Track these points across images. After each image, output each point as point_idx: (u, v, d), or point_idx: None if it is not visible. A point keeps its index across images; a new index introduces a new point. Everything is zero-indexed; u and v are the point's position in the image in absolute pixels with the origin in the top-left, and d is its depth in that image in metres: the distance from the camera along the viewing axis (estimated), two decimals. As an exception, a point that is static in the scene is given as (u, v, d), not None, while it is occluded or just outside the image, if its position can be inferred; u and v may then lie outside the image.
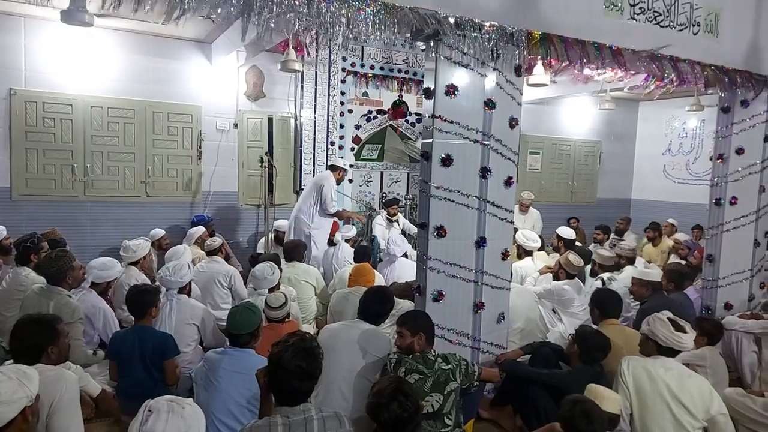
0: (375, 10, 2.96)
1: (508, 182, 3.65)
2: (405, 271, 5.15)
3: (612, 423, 2.54)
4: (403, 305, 4.03)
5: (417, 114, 7.61)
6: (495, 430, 3.48)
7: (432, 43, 3.34)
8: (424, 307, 3.44)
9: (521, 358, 3.66)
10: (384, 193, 7.94)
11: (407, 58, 7.55)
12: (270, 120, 6.92)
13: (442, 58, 3.31)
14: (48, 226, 5.46)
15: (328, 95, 7.08)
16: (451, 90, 3.35)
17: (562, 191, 9.45)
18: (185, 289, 3.84)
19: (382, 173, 7.97)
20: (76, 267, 3.76)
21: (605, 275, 5.14)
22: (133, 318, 3.48)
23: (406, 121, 7.71)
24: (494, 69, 3.48)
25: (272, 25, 2.80)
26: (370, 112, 7.44)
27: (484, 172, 3.52)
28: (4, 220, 5.30)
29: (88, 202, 6.14)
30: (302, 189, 6.78)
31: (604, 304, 3.74)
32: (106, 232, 6.17)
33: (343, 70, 7.14)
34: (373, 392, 2.26)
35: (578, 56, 3.71)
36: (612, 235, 7.57)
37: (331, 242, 6.14)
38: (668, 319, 2.98)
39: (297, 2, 2.77)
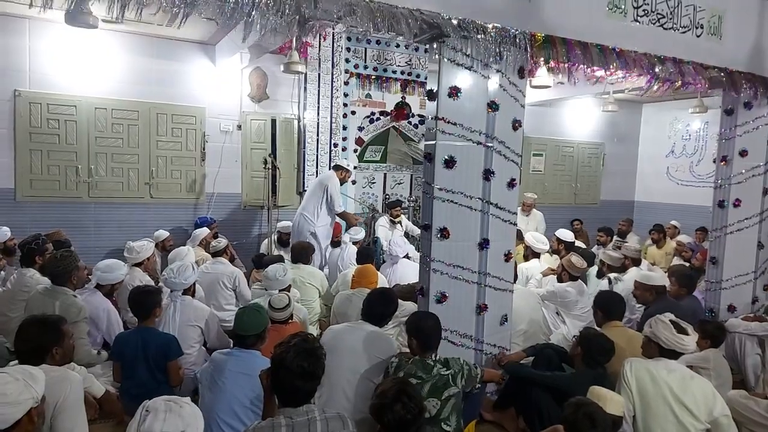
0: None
1: (511, 184, 3.65)
2: (407, 272, 5.15)
3: (615, 425, 2.54)
4: (407, 307, 4.04)
5: (420, 116, 7.61)
6: (498, 432, 3.48)
7: (435, 45, 3.35)
8: (427, 309, 3.44)
9: (524, 360, 3.66)
10: (387, 194, 7.94)
11: (410, 60, 7.56)
12: (273, 122, 6.94)
13: (445, 59, 3.32)
14: (52, 227, 5.48)
15: (332, 97, 7.10)
16: (454, 92, 3.36)
17: (565, 193, 9.43)
18: (189, 291, 3.84)
19: (385, 175, 7.97)
20: (81, 267, 3.78)
21: (611, 275, 5.15)
22: (137, 320, 3.49)
23: (409, 123, 7.71)
24: (497, 71, 3.48)
25: (275, 25, 2.81)
26: (373, 113, 7.45)
27: (487, 173, 3.52)
28: (8, 221, 5.33)
29: (92, 204, 6.16)
30: (305, 190, 6.80)
31: (608, 306, 3.73)
32: (110, 234, 6.19)
33: (346, 71, 7.16)
34: (377, 393, 2.27)
35: (581, 58, 3.71)
36: (615, 237, 7.56)
37: (336, 243, 6.15)
38: (670, 321, 2.98)
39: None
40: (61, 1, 2.90)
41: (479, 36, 3.30)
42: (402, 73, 7.54)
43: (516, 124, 3.62)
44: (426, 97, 3.51)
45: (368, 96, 7.39)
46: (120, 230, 6.17)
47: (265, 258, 5.28)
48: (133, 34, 6.07)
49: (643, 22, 3.99)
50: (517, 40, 3.41)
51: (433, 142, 3.39)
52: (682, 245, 6.84)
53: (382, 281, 4.75)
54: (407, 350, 3.28)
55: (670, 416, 2.76)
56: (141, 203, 6.38)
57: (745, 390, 3.67)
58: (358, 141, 7.41)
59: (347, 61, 7.15)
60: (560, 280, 4.70)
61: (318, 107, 7.03)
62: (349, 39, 7.11)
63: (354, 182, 7.43)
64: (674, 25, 4.15)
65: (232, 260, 5.49)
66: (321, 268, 5.80)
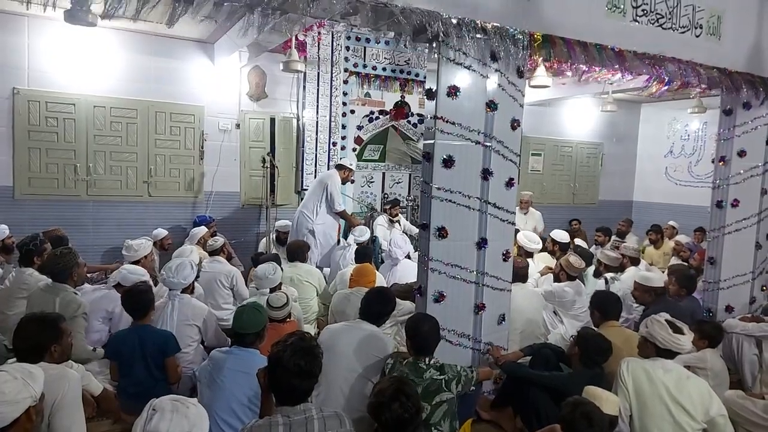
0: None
1: (509, 184, 3.65)
2: (407, 272, 5.14)
3: (611, 425, 2.55)
4: (405, 306, 4.04)
5: (419, 115, 7.61)
6: (495, 432, 3.49)
7: (434, 45, 3.35)
8: (425, 308, 3.44)
9: (522, 360, 3.66)
10: (386, 194, 7.95)
11: (409, 59, 7.56)
12: (272, 120, 6.93)
13: (444, 59, 3.32)
14: (50, 225, 5.48)
15: (331, 96, 7.09)
16: (453, 91, 3.36)
17: (563, 193, 9.44)
18: (188, 289, 3.83)
19: (383, 174, 7.98)
20: (81, 264, 3.80)
21: (608, 275, 5.16)
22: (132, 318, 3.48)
23: (408, 122, 7.71)
24: (496, 70, 3.48)
25: (274, 23, 2.81)
26: (372, 112, 7.44)
27: (486, 173, 3.52)
28: (6, 219, 5.32)
29: (91, 202, 6.15)
30: (304, 189, 6.81)
31: (604, 306, 3.74)
32: (109, 232, 6.19)
33: (346, 70, 7.15)
34: (375, 392, 2.27)
35: (580, 58, 3.71)
36: (613, 237, 7.57)
37: (337, 241, 6.15)
38: (666, 321, 2.98)
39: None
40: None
41: (478, 35, 3.30)
42: (401, 72, 7.53)
43: (515, 124, 3.62)
44: (425, 97, 3.51)
45: (367, 95, 7.39)
46: (118, 229, 6.17)
47: (261, 257, 5.28)
48: (132, 32, 6.06)
49: (642, 22, 3.99)
50: (516, 40, 3.41)
51: (432, 141, 3.39)
52: (681, 245, 6.85)
53: (380, 280, 4.75)
54: (405, 349, 3.29)
55: (667, 416, 2.77)
56: (139, 202, 6.38)
57: (743, 390, 3.68)
58: (357, 140, 7.41)
59: (346, 59, 7.14)
60: (558, 279, 4.71)
61: (317, 106, 7.02)
62: (348, 38, 7.10)
63: (352, 181, 7.40)
64: (673, 25, 4.15)
65: (229, 259, 5.49)
66: (318, 267, 5.79)
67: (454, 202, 3.46)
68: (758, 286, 5.02)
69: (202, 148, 6.60)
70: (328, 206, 6.00)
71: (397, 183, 8.08)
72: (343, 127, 7.24)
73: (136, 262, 4.71)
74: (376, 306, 3.33)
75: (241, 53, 6.40)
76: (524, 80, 3.69)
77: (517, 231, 5.05)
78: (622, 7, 3.89)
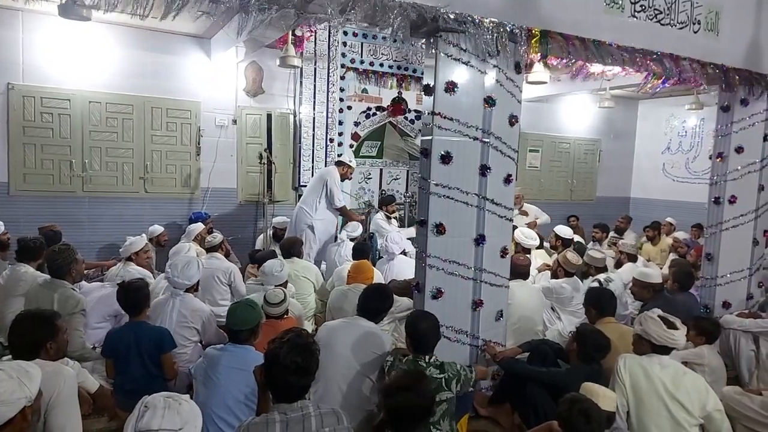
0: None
1: (507, 180, 3.64)
2: (403, 268, 5.14)
3: (609, 421, 2.55)
4: (402, 303, 4.04)
5: (416, 111, 7.59)
6: (493, 428, 3.49)
7: (432, 40, 3.33)
8: (423, 305, 3.43)
9: (520, 356, 3.66)
10: (383, 190, 7.92)
11: (407, 55, 7.53)
12: (269, 116, 6.91)
13: (441, 54, 3.30)
14: (46, 221, 5.47)
15: (328, 91, 7.06)
16: (451, 87, 3.34)
17: (561, 189, 9.44)
18: (192, 289, 3.78)
19: (381, 170, 7.95)
20: (79, 261, 3.79)
21: (601, 276, 4.93)
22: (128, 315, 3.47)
23: (406, 118, 7.68)
24: (494, 66, 3.47)
25: (270, 18, 2.79)
26: (369, 108, 7.41)
27: (484, 169, 3.51)
28: (1, 216, 5.30)
29: (86, 198, 6.12)
30: (301, 185, 6.79)
31: (600, 303, 3.73)
32: (105, 228, 6.17)
33: (343, 66, 7.12)
34: (394, 377, 2.26)
35: (578, 53, 3.70)
36: (612, 234, 7.58)
37: (335, 238, 6.13)
38: (659, 317, 2.99)
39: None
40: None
41: (476, 31, 3.28)
42: (399, 68, 7.50)
43: (512, 120, 3.61)
44: (422, 92, 3.49)
45: (364, 91, 7.36)
46: (114, 225, 6.15)
47: (259, 253, 5.27)
48: (127, 27, 6.03)
49: (640, 18, 3.98)
50: (514, 35, 3.40)
51: (430, 137, 3.38)
52: (679, 241, 6.87)
53: (378, 277, 4.74)
54: (403, 346, 3.29)
55: (664, 411, 2.78)
56: (135, 198, 6.35)
57: (740, 386, 3.70)
58: (354, 136, 7.39)
59: (343, 55, 7.11)
60: (555, 276, 4.70)
61: (314, 102, 6.99)
62: (345, 33, 7.07)
63: (350, 178, 7.41)
64: (671, 21, 4.14)
65: (227, 255, 5.47)
66: (316, 262, 5.78)
67: (452, 199, 3.45)
68: (755, 283, 5.03)
69: (199, 144, 6.58)
70: (328, 202, 5.99)
71: (395, 179, 8.06)
72: (340, 123, 7.21)
73: (130, 258, 4.72)
74: (374, 303, 3.32)
75: (237, 48, 6.37)
76: (522, 76, 3.67)
77: (514, 227, 5.02)
78: (620, 2, 3.87)
